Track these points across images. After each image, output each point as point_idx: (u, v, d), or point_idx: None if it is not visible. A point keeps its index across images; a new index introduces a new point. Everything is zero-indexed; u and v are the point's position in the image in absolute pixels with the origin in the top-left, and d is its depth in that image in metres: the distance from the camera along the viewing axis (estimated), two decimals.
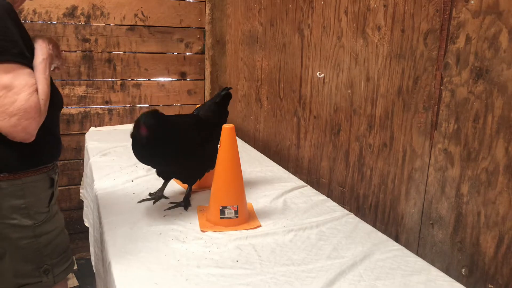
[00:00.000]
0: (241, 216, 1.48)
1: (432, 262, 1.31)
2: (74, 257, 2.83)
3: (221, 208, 1.46)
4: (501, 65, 1.11)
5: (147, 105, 3.02)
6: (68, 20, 2.72)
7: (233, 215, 1.47)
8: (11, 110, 1.10)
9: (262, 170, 2.08)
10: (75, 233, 2.92)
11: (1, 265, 1.25)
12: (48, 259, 1.30)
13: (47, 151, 1.29)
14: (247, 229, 1.45)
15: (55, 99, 1.35)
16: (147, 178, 1.90)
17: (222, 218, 1.47)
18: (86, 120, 2.87)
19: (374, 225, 1.54)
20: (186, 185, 1.78)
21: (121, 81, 2.91)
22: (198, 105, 2.08)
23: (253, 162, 2.20)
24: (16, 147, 1.19)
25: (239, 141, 1.66)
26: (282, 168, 2.12)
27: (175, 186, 1.82)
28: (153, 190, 1.76)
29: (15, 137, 1.14)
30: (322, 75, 1.87)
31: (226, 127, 1.46)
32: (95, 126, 2.86)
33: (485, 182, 1.18)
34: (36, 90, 1.16)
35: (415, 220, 1.43)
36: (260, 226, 1.48)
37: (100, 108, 2.90)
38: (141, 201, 1.65)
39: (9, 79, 1.11)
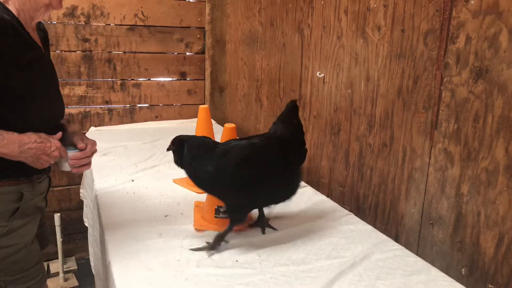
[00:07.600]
0: None
1: (432, 262, 1.31)
2: (75, 260, 2.83)
3: (216, 207, 1.46)
4: (501, 65, 1.11)
5: (147, 105, 3.02)
6: (68, 20, 2.72)
7: None
8: None
9: None
10: (75, 233, 2.92)
11: None
12: (1, 275, 1.22)
13: (16, 166, 1.20)
14: (239, 229, 1.44)
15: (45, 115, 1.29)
16: (147, 178, 1.90)
17: (217, 217, 1.46)
18: (86, 120, 2.87)
19: (374, 225, 1.54)
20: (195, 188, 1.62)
21: (121, 81, 2.91)
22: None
23: None
24: None
25: None
26: None
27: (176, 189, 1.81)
28: (152, 189, 1.76)
29: None
30: (322, 75, 1.87)
31: (227, 127, 1.46)
32: (95, 126, 2.86)
33: (485, 182, 1.17)
34: None
35: (415, 220, 1.43)
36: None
37: (100, 108, 2.89)
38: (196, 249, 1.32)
39: None
